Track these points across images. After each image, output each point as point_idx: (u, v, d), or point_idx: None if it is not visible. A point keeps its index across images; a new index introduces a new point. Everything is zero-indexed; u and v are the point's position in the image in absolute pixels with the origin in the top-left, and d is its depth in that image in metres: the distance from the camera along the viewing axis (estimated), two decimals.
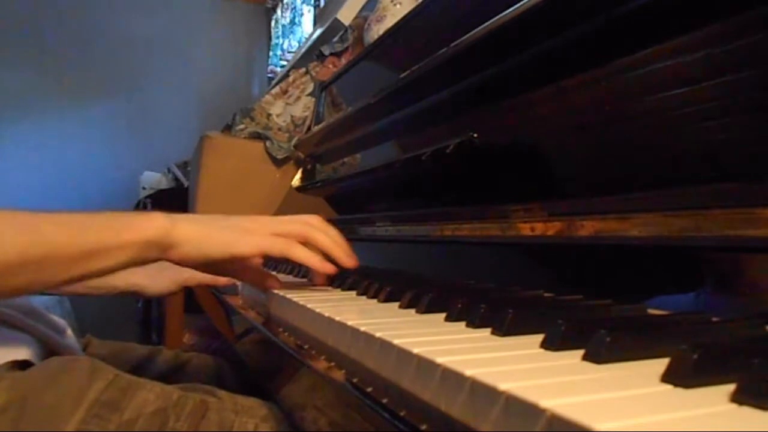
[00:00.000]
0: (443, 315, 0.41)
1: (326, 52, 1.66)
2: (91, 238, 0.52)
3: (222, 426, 0.56)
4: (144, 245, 0.55)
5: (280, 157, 1.58)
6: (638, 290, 0.43)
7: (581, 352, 0.28)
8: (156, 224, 0.56)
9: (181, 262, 0.58)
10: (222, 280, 0.89)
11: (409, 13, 0.95)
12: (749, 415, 0.20)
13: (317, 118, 1.40)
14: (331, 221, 0.65)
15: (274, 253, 0.59)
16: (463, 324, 0.38)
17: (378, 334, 0.35)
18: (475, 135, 0.63)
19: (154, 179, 2.62)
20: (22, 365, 0.58)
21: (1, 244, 0.47)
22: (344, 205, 1.15)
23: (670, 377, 0.24)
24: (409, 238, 0.77)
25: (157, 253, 0.56)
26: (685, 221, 0.38)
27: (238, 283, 0.81)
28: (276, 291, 0.62)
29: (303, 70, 1.71)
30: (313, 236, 0.61)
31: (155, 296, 0.90)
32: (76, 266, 0.52)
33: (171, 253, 0.57)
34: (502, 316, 0.35)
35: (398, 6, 1.36)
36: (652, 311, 0.40)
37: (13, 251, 0.48)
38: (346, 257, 0.62)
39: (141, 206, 2.38)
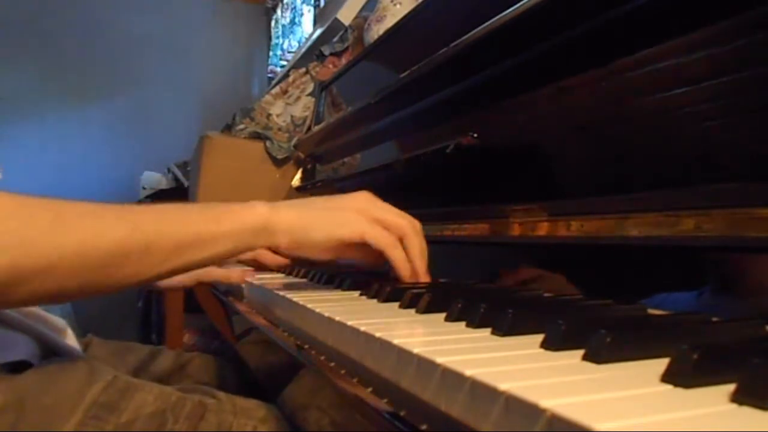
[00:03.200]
0: (443, 315, 0.41)
1: (326, 52, 1.66)
2: (192, 227, 0.52)
3: (220, 427, 0.56)
4: (246, 233, 0.54)
5: (280, 157, 1.58)
6: (638, 290, 0.43)
7: (581, 352, 0.28)
8: (257, 212, 0.55)
9: (289, 249, 0.57)
10: (234, 278, 0.87)
11: (409, 13, 0.95)
12: (749, 415, 0.20)
13: (317, 118, 1.40)
14: None
15: (374, 245, 0.57)
16: (463, 324, 0.38)
17: (378, 334, 0.35)
18: (475, 135, 0.63)
19: (154, 179, 2.62)
20: (21, 366, 0.58)
21: (102, 234, 0.46)
22: None
23: (670, 377, 0.24)
24: None
25: (262, 240, 0.55)
26: (686, 221, 0.38)
27: (244, 285, 0.80)
28: (276, 291, 0.62)
29: (303, 70, 1.71)
30: (411, 240, 0.59)
31: (170, 289, 0.89)
32: (179, 256, 0.51)
33: (277, 239, 0.56)
34: (502, 316, 0.35)
35: (398, 6, 1.36)
36: (652, 311, 0.40)
37: (114, 242, 0.46)
38: (424, 274, 0.60)
39: None
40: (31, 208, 0.44)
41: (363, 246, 0.58)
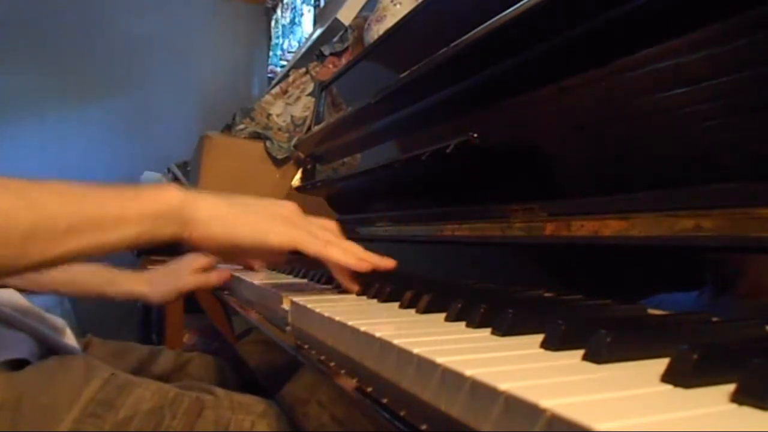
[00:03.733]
0: (443, 315, 0.41)
1: (326, 52, 1.66)
2: (89, 207, 0.46)
3: (218, 424, 0.56)
4: (154, 218, 0.49)
5: (280, 157, 1.58)
6: (638, 290, 0.43)
7: (581, 352, 0.28)
8: (169, 195, 0.50)
9: (203, 242, 0.52)
10: (213, 280, 0.87)
11: (409, 13, 0.95)
12: (749, 415, 0.20)
13: (317, 118, 1.40)
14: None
15: (308, 251, 0.55)
16: (463, 324, 0.38)
17: (378, 334, 0.35)
18: (475, 135, 0.63)
19: (154, 179, 2.62)
20: (20, 364, 0.58)
21: None
22: (344, 205, 1.15)
23: (670, 377, 0.24)
24: (409, 238, 0.77)
25: (172, 228, 0.50)
26: (686, 221, 0.38)
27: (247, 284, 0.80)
28: (274, 291, 0.62)
29: (303, 70, 1.71)
30: (342, 242, 0.57)
31: (158, 303, 0.89)
32: (71, 239, 0.45)
33: (191, 230, 0.51)
34: (502, 316, 0.35)
35: (398, 6, 1.36)
36: (652, 311, 0.40)
37: None
38: (380, 259, 0.57)
39: None
40: None
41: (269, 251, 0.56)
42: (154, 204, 0.49)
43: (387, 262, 0.58)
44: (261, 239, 0.53)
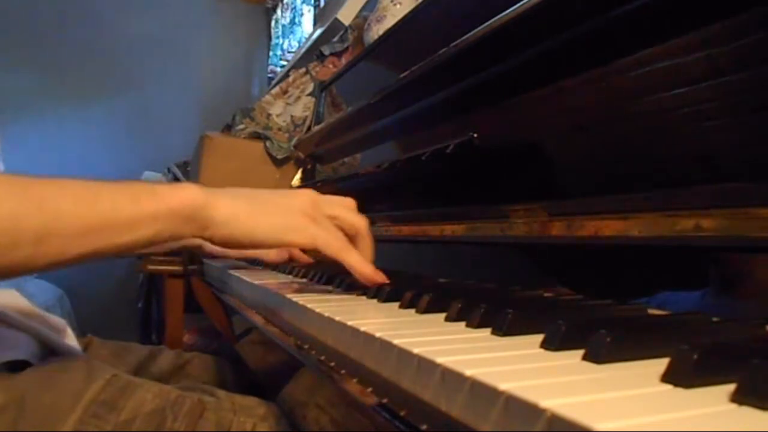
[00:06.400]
0: (443, 315, 0.41)
1: (326, 52, 1.66)
2: (104, 207, 0.44)
3: (220, 425, 0.56)
4: (172, 218, 0.47)
5: (280, 157, 1.58)
6: (638, 290, 0.43)
7: (581, 352, 0.28)
8: (186, 194, 0.48)
9: (225, 244, 0.52)
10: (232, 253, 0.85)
11: (409, 13, 0.95)
12: (749, 415, 0.20)
13: (317, 118, 1.40)
14: None
15: (327, 253, 0.53)
16: (463, 324, 0.38)
17: (378, 334, 0.35)
18: (475, 135, 0.63)
19: (154, 179, 2.62)
20: (21, 365, 0.58)
21: None
22: None
23: (670, 377, 0.24)
24: (409, 238, 0.77)
25: (191, 229, 0.49)
26: (686, 221, 0.38)
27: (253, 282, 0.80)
28: (275, 291, 0.62)
29: (303, 70, 1.71)
30: (365, 241, 0.56)
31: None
32: (86, 240, 0.43)
33: (212, 232, 0.50)
34: (502, 316, 0.35)
35: (398, 6, 1.36)
36: (652, 311, 0.40)
37: (4, 220, 0.40)
38: (377, 274, 0.55)
39: None
40: None
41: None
42: (170, 203, 0.48)
43: (382, 278, 0.57)
44: (281, 238, 0.53)
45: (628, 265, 0.46)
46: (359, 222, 0.56)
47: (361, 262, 0.54)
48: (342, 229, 0.56)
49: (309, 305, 0.49)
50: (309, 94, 1.65)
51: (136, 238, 0.46)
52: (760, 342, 0.31)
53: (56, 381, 0.54)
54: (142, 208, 0.46)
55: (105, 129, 3.01)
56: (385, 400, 0.33)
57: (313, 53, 1.84)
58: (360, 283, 0.55)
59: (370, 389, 0.36)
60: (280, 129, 1.64)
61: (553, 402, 0.20)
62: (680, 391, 0.23)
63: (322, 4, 2.66)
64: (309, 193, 0.56)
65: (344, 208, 0.56)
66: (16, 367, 0.57)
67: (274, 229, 0.52)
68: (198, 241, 0.66)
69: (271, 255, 0.86)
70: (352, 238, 0.56)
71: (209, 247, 0.71)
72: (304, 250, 0.87)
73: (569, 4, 0.51)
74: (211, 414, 0.56)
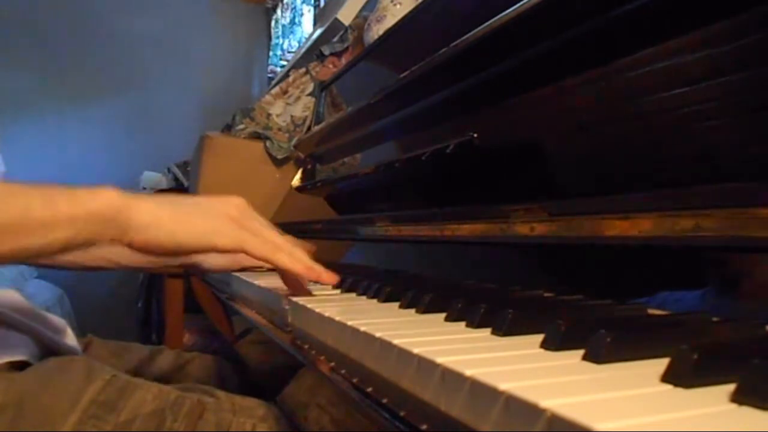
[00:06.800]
0: (443, 315, 0.41)
1: (326, 52, 1.66)
2: (12, 208, 0.44)
3: (219, 426, 0.56)
4: (89, 221, 0.47)
5: (280, 157, 1.58)
6: (638, 290, 0.43)
7: (581, 352, 0.28)
8: (104, 198, 0.48)
9: (146, 248, 0.50)
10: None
11: (409, 13, 0.95)
12: (749, 415, 0.20)
13: (317, 118, 1.40)
14: (331, 221, 0.64)
15: (255, 254, 0.54)
16: (463, 324, 0.38)
17: (378, 334, 0.35)
18: (475, 135, 0.63)
19: (154, 179, 2.62)
20: (21, 366, 0.58)
21: None
22: (344, 205, 1.15)
23: (670, 377, 0.24)
24: (409, 238, 0.77)
25: (111, 233, 0.48)
26: (686, 221, 0.38)
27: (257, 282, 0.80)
28: (275, 291, 0.62)
29: (303, 70, 1.71)
30: (294, 252, 0.56)
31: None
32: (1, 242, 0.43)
33: (132, 236, 0.49)
34: (502, 316, 0.35)
35: (398, 6, 1.36)
36: (652, 311, 0.40)
37: None
38: (328, 275, 0.57)
39: None
40: None
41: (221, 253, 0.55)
42: (89, 205, 0.47)
43: (331, 277, 0.57)
44: (206, 242, 0.52)
45: (629, 265, 0.46)
46: (279, 241, 0.56)
47: (291, 261, 0.54)
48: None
49: (309, 305, 0.49)
50: (309, 94, 1.65)
51: (50, 240, 0.45)
52: (760, 342, 0.31)
53: (55, 381, 0.54)
54: (57, 210, 0.46)
55: (105, 129, 3.01)
56: (385, 400, 0.33)
57: (313, 53, 1.84)
58: (294, 286, 0.57)
59: (370, 389, 0.36)
60: (280, 129, 1.64)
61: (553, 402, 0.20)
62: (680, 391, 0.23)
63: (322, 4, 2.66)
64: (236, 200, 0.56)
65: (265, 224, 0.57)
66: (16, 367, 0.57)
67: (199, 232, 0.52)
68: (193, 260, 0.66)
69: (214, 261, 0.78)
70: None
71: (207, 264, 0.70)
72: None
73: (569, 4, 0.51)
74: (211, 415, 0.56)
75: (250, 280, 0.78)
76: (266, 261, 0.54)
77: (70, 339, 0.73)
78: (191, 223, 0.52)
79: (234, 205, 0.55)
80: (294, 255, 0.55)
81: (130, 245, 0.50)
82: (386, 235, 0.81)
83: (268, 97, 1.74)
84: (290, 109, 1.68)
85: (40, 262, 0.60)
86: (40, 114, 2.88)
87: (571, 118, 0.54)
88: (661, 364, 0.25)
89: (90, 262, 0.64)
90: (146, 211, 0.49)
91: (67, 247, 0.47)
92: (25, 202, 0.45)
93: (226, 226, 0.53)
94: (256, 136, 1.63)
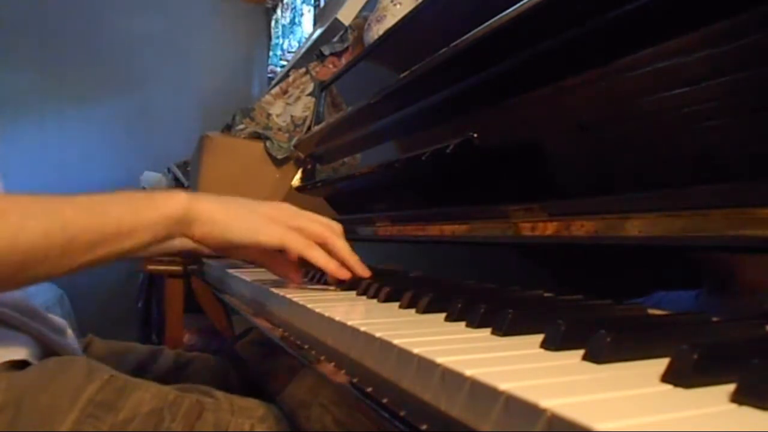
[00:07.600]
0: (443, 315, 0.41)
1: (326, 52, 1.66)
2: (112, 219, 0.52)
3: (217, 426, 0.56)
4: (166, 223, 0.55)
5: (280, 157, 1.58)
6: (638, 290, 0.43)
7: (581, 352, 0.28)
8: (177, 200, 0.56)
9: (202, 241, 0.58)
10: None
11: (409, 13, 0.95)
12: (749, 415, 0.20)
13: (317, 118, 1.40)
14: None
15: (292, 250, 0.59)
16: (463, 324, 0.38)
17: (378, 334, 0.35)
18: (475, 135, 0.63)
19: (154, 179, 2.62)
20: (20, 365, 0.58)
21: (24, 231, 0.46)
22: (344, 205, 1.16)
23: (670, 377, 0.24)
24: (409, 238, 0.77)
25: (179, 229, 0.56)
26: (685, 221, 0.38)
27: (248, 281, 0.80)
28: (274, 290, 0.62)
29: (303, 70, 1.71)
30: (334, 242, 0.61)
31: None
32: (98, 249, 0.51)
33: (192, 230, 0.57)
34: (502, 316, 0.35)
35: (398, 6, 1.36)
36: (652, 311, 0.40)
37: (36, 238, 0.47)
38: (361, 268, 0.62)
39: None
40: None
41: (272, 253, 0.62)
42: (166, 209, 0.55)
43: (364, 271, 0.62)
44: (251, 238, 0.59)
45: (628, 264, 0.46)
46: (323, 231, 0.62)
47: (325, 258, 0.60)
48: (310, 238, 0.61)
49: (309, 305, 0.49)
50: (309, 94, 1.65)
51: (139, 242, 0.54)
52: (760, 342, 0.31)
53: (54, 381, 0.54)
54: (142, 216, 0.54)
55: (105, 129, 3.01)
56: (385, 400, 0.33)
57: (313, 53, 1.83)
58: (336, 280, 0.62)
59: (370, 389, 0.36)
60: (280, 129, 1.64)
61: (553, 402, 0.20)
62: (680, 391, 0.23)
63: (322, 4, 2.66)
64: (280, 205, 0.63)
65: (309, 220, 0.62)
66: (16, 366, 0.57)
67: (245, 228, 0.59)
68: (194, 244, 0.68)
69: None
70: (322, 246, 0.61)
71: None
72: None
73: (569, 4, 0.51)
74: (209, 415, 0.56)
75: (249, 279, 0.78)
76: (302, 256, 0.60)
77: (70, 339, 0.73)
78: (240, 220, 0.59)
79: (277, 207, 0.62)
80: (336, 245, 0.61)
81: (192, 237, 0.58)
82: (386, 235, 0.81)
83: (268, 97, 1.74)
84: (290, 109, 1.68)
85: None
86: (40, 114, 2.88)
87: (571, 118, 0.54)
88: (661, 364, 0.25)
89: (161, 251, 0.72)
90: (206, 209, 0.57)
91: (150, 246, 0.55)
92: (118, 212, 0.53)
93: (269, 226, 0.59)
94: (256, 136, 1.62)
